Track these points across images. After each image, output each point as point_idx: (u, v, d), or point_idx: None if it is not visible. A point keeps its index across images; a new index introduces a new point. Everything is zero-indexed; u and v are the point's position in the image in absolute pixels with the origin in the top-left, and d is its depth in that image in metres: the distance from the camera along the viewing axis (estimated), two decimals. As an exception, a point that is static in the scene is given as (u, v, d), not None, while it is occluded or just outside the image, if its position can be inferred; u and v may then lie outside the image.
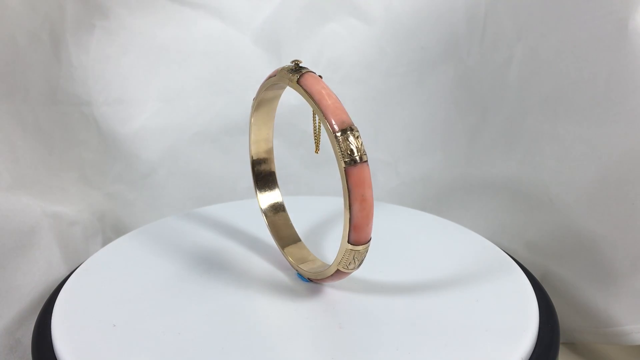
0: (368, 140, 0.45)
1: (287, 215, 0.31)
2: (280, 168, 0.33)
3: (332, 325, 0.24)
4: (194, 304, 0.26)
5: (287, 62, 0.24)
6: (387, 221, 0.36)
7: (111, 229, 0.42)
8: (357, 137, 0.21)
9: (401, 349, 0.22)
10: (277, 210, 0.31)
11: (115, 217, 0.42)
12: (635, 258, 0.33)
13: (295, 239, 0.30)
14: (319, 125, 0.24)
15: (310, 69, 0.24)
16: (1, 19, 0.36)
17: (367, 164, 0.22)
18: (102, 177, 0.41)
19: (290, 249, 0.30)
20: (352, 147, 0.21)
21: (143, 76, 0.41)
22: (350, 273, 0.24)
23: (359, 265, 0.24)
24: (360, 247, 0.23)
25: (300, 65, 0.23)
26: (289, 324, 0.25)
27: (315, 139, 0.25)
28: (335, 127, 0.21)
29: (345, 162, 0.21)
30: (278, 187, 0.31)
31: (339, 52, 0.43)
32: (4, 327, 0.31)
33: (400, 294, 0.27)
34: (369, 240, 0.23)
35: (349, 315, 0.25)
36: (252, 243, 0.33)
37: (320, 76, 0.23)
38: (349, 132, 0.21)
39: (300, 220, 0.32)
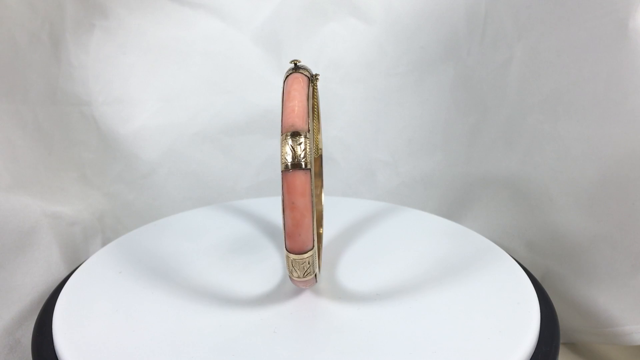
0: (368, 140, 0.46)
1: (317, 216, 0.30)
2: (279, 168, 0.33)
3: (267, 330, 0.23)
4: (194, 303, 0.26)
5: (286, 62, 0.24)
6: (387, 221, 0.36)
7: (111, 229, 0.42)
8: (302, 144, 0.21)
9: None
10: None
11: (114, 217, 0.43)
12: (635, 258, 0.33)
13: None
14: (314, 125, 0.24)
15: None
16: (1, 19, 0.36)
17: (308, 172, 0.21)
18: (102, 177, 0.41)
19: None
20: (296, 152, 0.20)
21: (143, 76, 0.41)
22: (305, 281, 0.23)
23: (307, 274, 0.23)
24: (297, 257, 0.21)
25: (298, 64, 0.23)
26: (228, 324, 0.24)
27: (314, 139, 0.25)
28: (284, 129, 0.21)
29: (283, 165, 0.21)
30: (322, 188, 0.30)
31: (339, 52, 0.43)
32: (3, 327, 0.31)
33: (397, 295, 0.27)
34: (308, 251, 0.21)
35: (298, 321, 0.24)
36: (252, 242, 0.33)
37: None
38: (297, 137, 0.21)
39: (332, 222, 0.31)
